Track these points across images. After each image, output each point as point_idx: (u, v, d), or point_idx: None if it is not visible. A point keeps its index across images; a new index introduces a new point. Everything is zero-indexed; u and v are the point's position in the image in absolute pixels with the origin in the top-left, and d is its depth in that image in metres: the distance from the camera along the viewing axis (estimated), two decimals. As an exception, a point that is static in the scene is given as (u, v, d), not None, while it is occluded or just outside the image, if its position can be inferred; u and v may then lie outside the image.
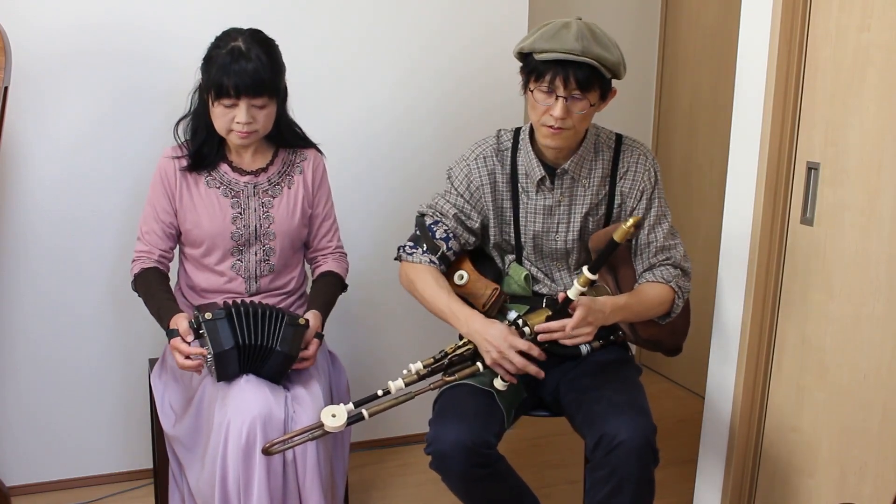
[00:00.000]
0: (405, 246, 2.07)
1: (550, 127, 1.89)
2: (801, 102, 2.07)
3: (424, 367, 1.89)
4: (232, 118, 1.98)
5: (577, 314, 1.81)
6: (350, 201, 2.67)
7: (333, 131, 2.53)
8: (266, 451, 1.81)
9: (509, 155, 2.04)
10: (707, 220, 3.29)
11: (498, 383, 1.92)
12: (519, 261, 2.09)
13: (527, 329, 1.87)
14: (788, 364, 2.16)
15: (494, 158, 2.04)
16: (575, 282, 1.81)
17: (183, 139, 2.12)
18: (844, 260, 1.98)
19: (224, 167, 2.13)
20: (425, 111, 2.76)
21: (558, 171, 2.00)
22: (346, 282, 2.26)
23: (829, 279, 2.02)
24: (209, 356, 1.90)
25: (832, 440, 2.05)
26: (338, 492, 2.13)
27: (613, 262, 2.05)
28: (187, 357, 1.93)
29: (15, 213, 2.44)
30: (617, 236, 1.75)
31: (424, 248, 2.03)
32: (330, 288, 2.18)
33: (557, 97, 1.85)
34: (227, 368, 1.93)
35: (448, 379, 1.91)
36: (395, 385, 1.86)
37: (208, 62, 1.98)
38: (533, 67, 1.87)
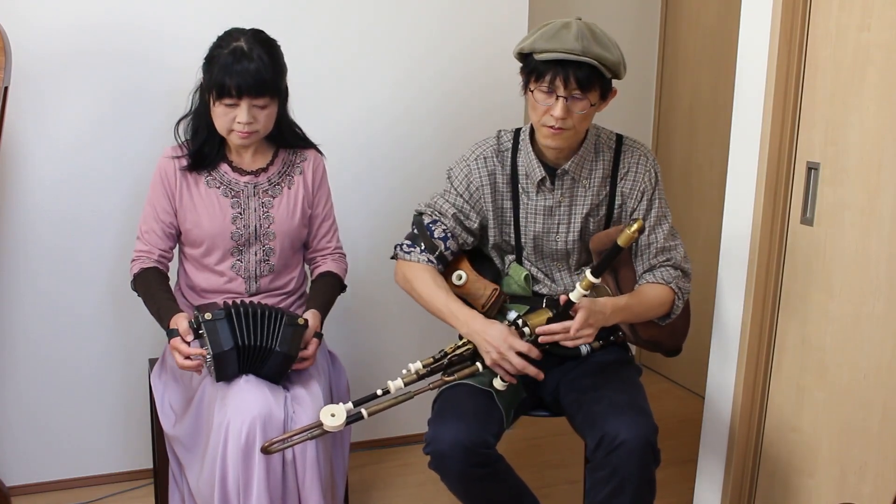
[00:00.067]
0: (402, 244, 2.06)
1: (551, 127, 1.89)
2: (801, 102, 2.07)
3: (424, 366, 1.89)
4: (233, 118, 1.98)
5: (580, 316, 1.81)
6: (350, 201, 2.67)
7: (333, 131, 2.54)
8: (265, 450, 1.81)
9: (509, 155, 2.04)
10: (707, 220, 3.29)
11: (497, 383, 1.92)
12: (519, 261, 2.09)
13: (526, 329, 1.87)
14: (788, 364, 2.16)
15: (495, 159, 2.04)
16: (577, 284, 1.81)
17: (183, 139, 2.12)
18: (844, 260, 1.98)
19: (224, 167, 2.13)
20: (425, 111, 2.76)
21: (559, 171, 2.00)
22: (346, 282, 2.26)
23: (829, 279, 2.02)
24: (208, 356, 1.90)
25: (832, 440, 2.05)
26: (338, 492, 2.13)
27: (614, 263, 2.05)
28: (187, 357, 1.93)
29: (15, 213, 2.44)
30: (620, 241, 1.75)
31: (422, 248, 2.03)
32: (329, 288, 2.18)
33: (558, 97, 1.85)
34: (226, 369, 1.92)
35: (447, 379, 1.91)
36: (395, 385, 1.86)
37: (210, 62, 1.98)
38: (533, 67, 1.87)
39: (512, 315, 2.00)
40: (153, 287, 2.07)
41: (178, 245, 2.20)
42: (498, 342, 1.85)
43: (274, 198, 2.14)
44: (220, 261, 2.14)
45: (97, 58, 2.41)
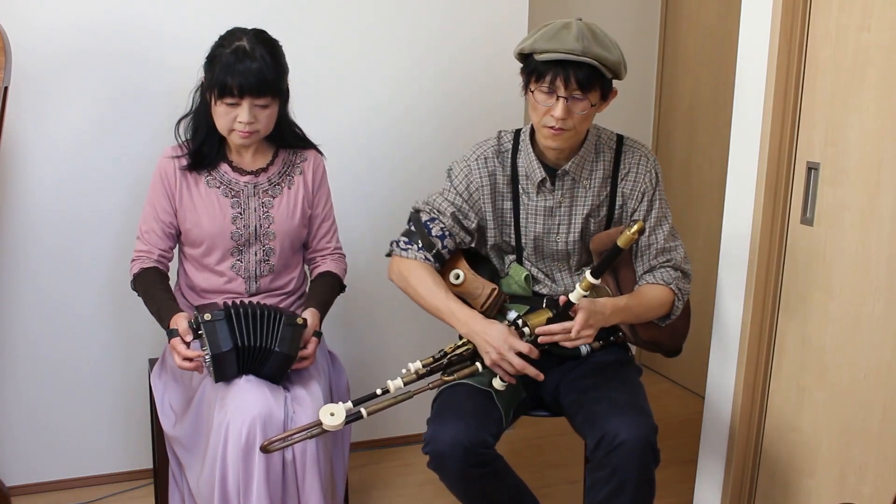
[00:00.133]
0: (399, 241, 2.05)
1: (551, 128, 1.89)
2: (801, 102, 2.07)
3: (424, 366, 1.88)
4: (234, 117, 1.98)
5: (579, 317, 1.81)
6: (350, 201, 2.67)
7: (333, 131, 2.53)
8: (264, 449, 1.80)
9: (510, 156, 2.04)
10: (707, 220, 3.29)
11: (497, 383, 1.91)
12: (519, 261, 2.09)
13: (526, 329, 1.87)
14: (788, 364, 2.16)
15: (495, 160, 2.04)
16: (577, 285, 1.81)
17: (184, 138, 2.12)
18: (844, 260, 1.98)
19: (224, 167, 2.13)
20: (425, 111, 2.75)
21: (559, 172, 2.00)
22: (345, 282, 2.26)
23: (829, 279, 2.02)
24: (207, 357, 1.90)
25: (832, 440, 2.05)
26: (338, 492, 2.13)
27: (615, 264, 2.05)
28: (186, 358, 1.92)
29: (15, 213, 2.44)
30: (621, 242, 1.75)
31: (419, 245, 2.02)
32: (328, 287, 2.18)
33: (558, 98, 1.85)
34: (225, 370, 1.92)
35: (447, 378, 1.91)
36: (394, 384, 1.86)
37: (212, 61, 1.98)
38: (533, 68, 1.87)
39: (512, 315, 2.00)
40: (153, 287, 2.07)
41: (178, 245, 2.20)
42: (498, 342, 1.85)
43: (274, 198, 2.14)
44: (220, 261, 2.14)
45: (97, 58, 2.41)
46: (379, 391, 1.86)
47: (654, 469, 1.86)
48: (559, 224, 2.04)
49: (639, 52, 3.48)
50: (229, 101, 1.96)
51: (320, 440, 1.92)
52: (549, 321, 1.86)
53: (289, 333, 1.95)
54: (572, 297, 1.82)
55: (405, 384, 1.87)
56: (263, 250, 2.14)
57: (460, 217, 2.04)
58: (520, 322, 1.88)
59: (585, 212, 2.03)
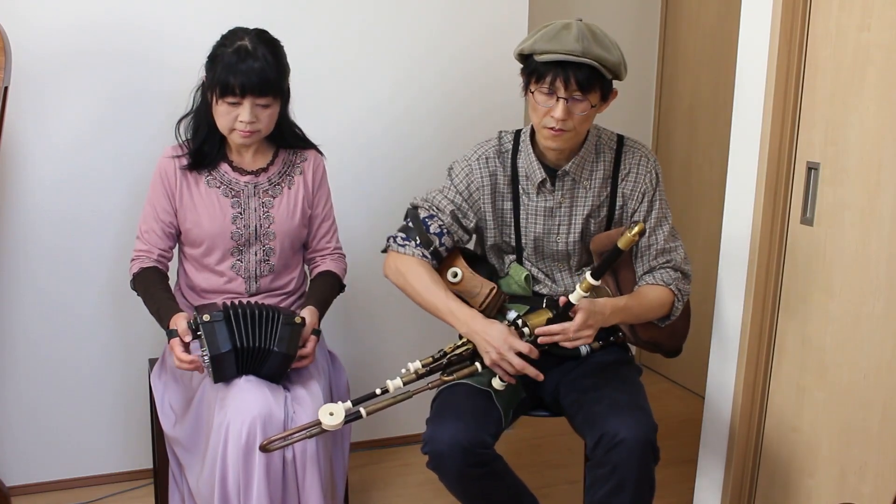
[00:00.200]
0: (396, 237, 2.05)
1: (551, 129, 1.89)
2: (801, 102, 2.07)
3: (423, 366, 1.88)
4: (235, 117, 1.98)
5: (578, 318, 1.81)
6: (350, 201, 2.67)
7: (333, 131, 2.54)
8: (263, 448, 1.80)
9: (510, 157, 2.04)
10: (707, 220, 3.29)
11: (496, 383, 1.91)
12: (519, 261, 2.09)
13: (526, 329, 1.87)
14: (788, 364, 2.16)
15: (496, 160, 2.04)
16: (577, 286, 1.81)
17: (184, 138, 2.12)
18: (844, 260, 1.98)
19: (224, 167, 2.13)
20: (425, 111, 2.76)
21: (559, 172, 2.00)
22: (345, 282, 2.26)
23: (830, 279, 2.02)
24: (206, 358, 1.90)
25: (832, 440, 2.05)
26: (338, 492, 2.13)
27: (615, 265, 2.05)
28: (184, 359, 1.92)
29: (15, 213, 2.44)
30: (621, 244, 1.75)
31: (417, 242, 2.01)
32: (327, 286, 2.18)
33: (558, 98, 1.85)
34: (224, 370, 1.92)
35: (446, 378, 1.91)
36: (394, 384, 1.86)
37: (214, 60, 1.98)
38: (533, 69, 1.87)
39: (512, 315, 2.00)
40: (153, 287, 2.07)
41: (178, 245, 2.20)
42: (498, 342, 1.85)
43: (274, 198, 2.14)
44: (220, 261, 2.14)
45: (97, 58, 2.41)
46: (378, 391, 1.86)
47: (654, 467, 1.86)
48: (559, 224, 2.04)
49: (639, 52, 3.49)
50: (231, 100, 1.96)
51: (320, 440, 1.92)
52: (549, 322, 1.86)
53: (287, 333, 1.94)
54: (572, 297, 1.82)
55: (405, 384, 1.87)
56: (263, 250, 2.14)
57: (459, 216, 2.03)
58: (519, 322, 1.88)
59: (586, 212, 2.03)
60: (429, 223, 2.02)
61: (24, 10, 2.32)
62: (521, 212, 2.04)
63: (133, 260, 2.13)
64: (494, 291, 2.02)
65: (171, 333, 1.94)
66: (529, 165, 2.01)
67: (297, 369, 2.04)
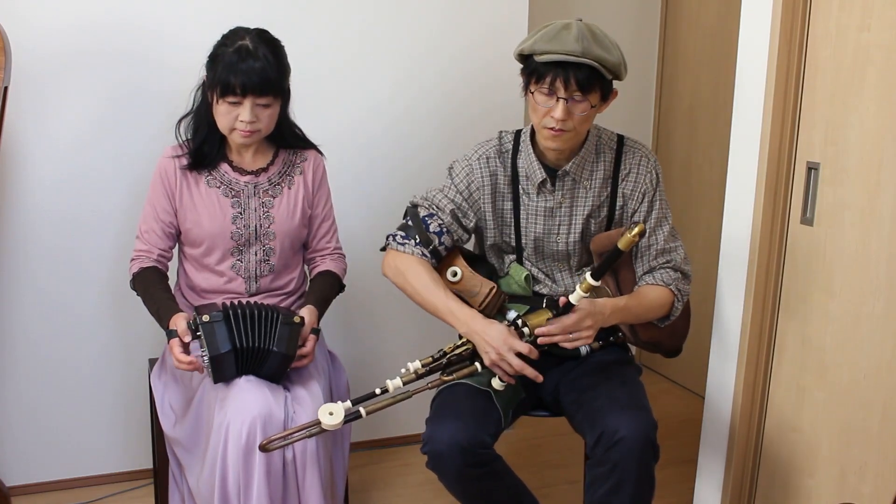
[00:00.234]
0: (395, 235, 2.05)
1: (551, 129, 1.89)
2: (801, 102, 2.07)
3: (423, 366, 1.88)
4: (236, 116, 1.98)
5: (575, 317, 1.81)
6: (350, 201, 2.67)
7: (333, 131, 2.54)
8: (263, 448, 1.80)
9: (510, 157, 2.04)
10: (707, 220, 3.29)
11: (496, 383, 1.91)
12: (519, 261, 2.09)
13: (526, 330, 1.87)
14: (788, 364, 2.16)
15: (497, 160, 2.04)
16: (577, 287, 1.81)
17: (184, 137, 2.12)
18: (844, 260, 1.98)
19: (224, 167, 2.13)
20: (425, 111, 2.76)
21: (559, 172, 2.00)
22: (345, 282, 2.26)
23: (830, 279, 2.02)
24: (206, 358, 1.90)
25: (832, 440, 2.05)
26: (338, 492, 2.13)
27: (615, 265, 2.05)
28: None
29: (15, 213, 2.44)
30: (621, 245, 1.75)
31: (417, 240, 2.01)
32: (326, 286, 2.18)
33: (558, 99, 1.85)
34: (224, 371, 1.92)
35: (446, 378, 1.90)
36: (394, 384, 1.86)
37: (214, 60, 1.98)
38: (533, 69, 1.87)
39: (511, 315, 2.00)
40: (152, 286, 2.07)
41: (178, 245, 2.20)
42: (497, 343, 1.85)
43: (274, 198, 2.14)
44: (220, 261, 2.14)
45: (97, 58, 2.41)
46: (378, 391, 1.85)
47: (654, 465, 1.86)
48: (559, 225, 2.04)
49: (639, 52, 3.49)
50: (231, 99, 1.96)
51: (320, 440, 1.92)
52: (549, 322, 1.86)
53: (286, 332, 1.94)
54: (572, 298, 1.82)
55: (404, 384, 1.87)
56: (263, 250, 2.14)
57: (459, 215, 2.03)
58: (519, 322, 1.88)
59: (586, 212, 2.03)
60: (428, 222, 2.02)
61: (24, 10, 2.32)
62: (522, 212, 2.04)
63: (133, 260, 2.13)
64: (494, 291, 2.01)
65: (171, 334, 1.94)
66: (530, 165, 2.01)
67: (296, 369, 2.04)
